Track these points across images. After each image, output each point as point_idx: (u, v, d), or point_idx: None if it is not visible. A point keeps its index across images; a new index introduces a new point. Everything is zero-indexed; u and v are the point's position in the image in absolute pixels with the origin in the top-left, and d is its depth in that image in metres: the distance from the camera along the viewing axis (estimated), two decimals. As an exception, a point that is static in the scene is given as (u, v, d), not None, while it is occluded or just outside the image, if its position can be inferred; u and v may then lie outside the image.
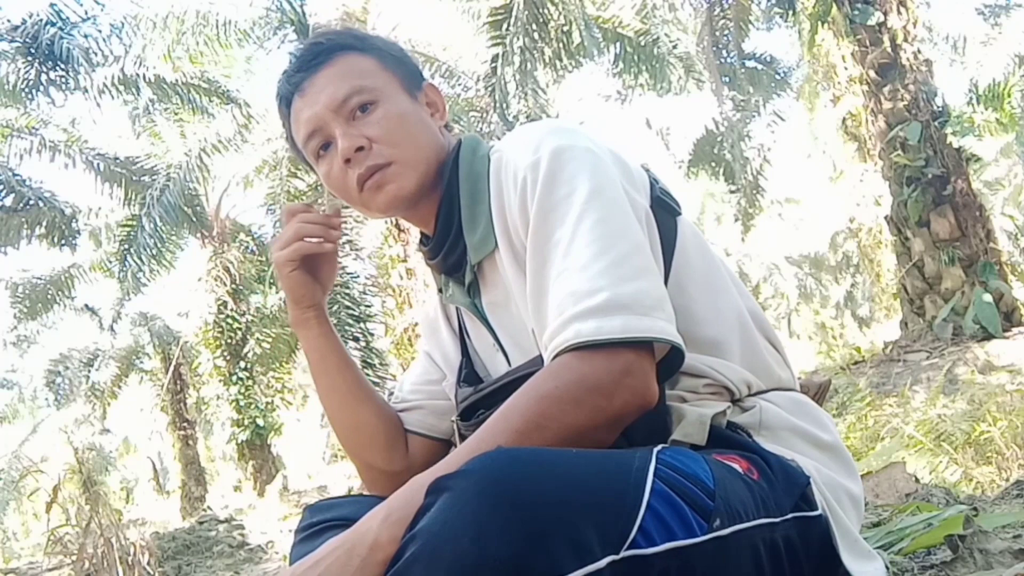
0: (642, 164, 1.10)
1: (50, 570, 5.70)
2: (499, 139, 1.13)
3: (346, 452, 1.26)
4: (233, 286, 12.27)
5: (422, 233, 1.20)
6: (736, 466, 0.88)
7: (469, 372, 1.21)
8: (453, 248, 1.11)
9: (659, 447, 0.83)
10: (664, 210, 1.05)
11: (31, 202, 9.67)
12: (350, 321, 9.44)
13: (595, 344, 0.86)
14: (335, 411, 1.24)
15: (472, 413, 1.13)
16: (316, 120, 1.11)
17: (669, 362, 0.91)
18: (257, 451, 12.41)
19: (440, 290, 1.23)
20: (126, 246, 10.26)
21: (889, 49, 7.68)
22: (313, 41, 1.16)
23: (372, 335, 9.65)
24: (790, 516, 0.88)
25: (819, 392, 1.20)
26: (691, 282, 1.03)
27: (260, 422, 12.21)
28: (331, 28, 1.24)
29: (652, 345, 0.88)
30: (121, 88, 10.00)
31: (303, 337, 1.24)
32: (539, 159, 0.98)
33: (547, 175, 0.97)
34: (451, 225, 1.11)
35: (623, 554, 0.71)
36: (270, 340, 12.28)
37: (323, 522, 1.09)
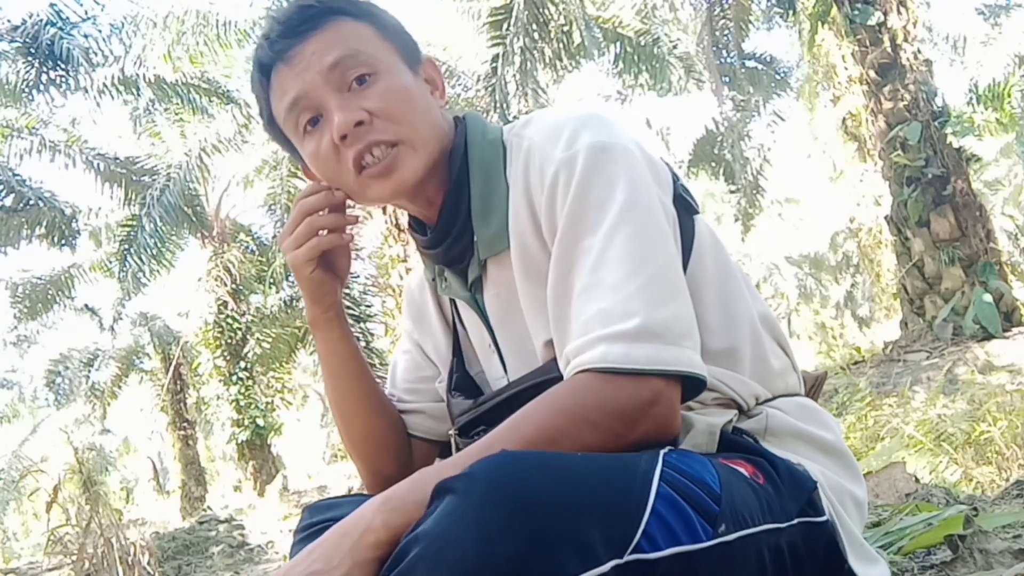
0: (661, 157, 1.03)
1: (50, 570, 5.70)
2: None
3: (353, 458, 1.22)
4: (233, 286, 12.27)
5: (414, 218, 1.11)
6: (742, 470, 0.87)
7: (461, 376, 1.15)
8: (458, 240, 1.04)
9: (665, 450, 0.82)
10: (683, 208, 0.99)
11: (31, 202, 9.68)
12: (350, 321, 9.37)
13: (622, 371, 0.83)
14: (348, 419, 1.18)
15: (471, 427, 1.08)
16: (304, 88, 0.98)
17: (691, 387, 0.89)
18: (257, 451, 12.42)
19: (433, 279, 1.16)
20: (126, 246, 10.26)
21: (889, 49, 7.67)
22: (301, 3, 1.01)
23: (372, 335, 9.66)
24: (796, 521, 0.87)
25: (815, 385, 1.19)
26: (705, 288, 0.99)
27: (260, 422, 12.21)
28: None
29: (680, 377, 0.86)
30: (121, 88, 10.02)
31: (322, 339, 1.15)
32: (575, 155, 0.92)
33: (583, 175, 0.91)
34: (458, 215, 1.03)
35: (627, 558, 0.71)
36: (270, 340, 12.28)
37: (323, 522, 1.06)
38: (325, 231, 1.06)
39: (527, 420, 0.83)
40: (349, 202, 1.08)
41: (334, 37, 0.99)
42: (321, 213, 1.06)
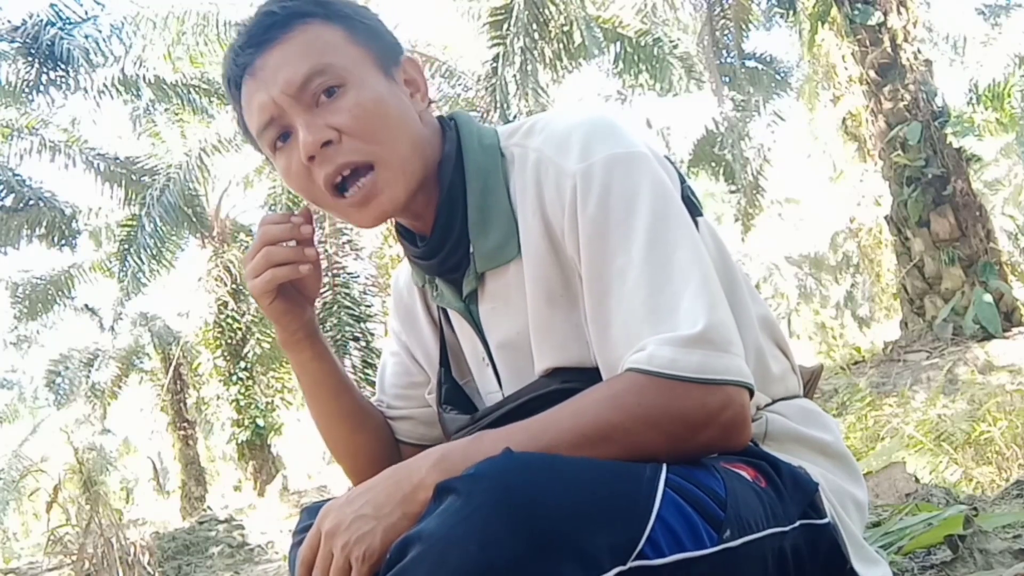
0: (665, 156, 1.00)
1: (50, 570, 5.71)
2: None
3: (342, 468, 1.21)
4: (233, 286, 12.26)
5: (402, 226, 1.06)
6: (744, 474, 0.86)
7: (451, 387, 1.11)
8: (453, 251, 0.99)
9: None
10: (688, 210, 0.95)
11: (31, 202, 9.68)
12: (350, 321, 9.45)
13: (688, 378, 0.80)
14: (330, 435, 1.16)
15: None
16: (271, 107, 0.94)
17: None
18: (257, 451, 12.42)
19: (422, 286, 1.12)
20: (126, 246, 10.26)
21: (889, 49, 7.67)
22: (266, 9, 0.96)
23: (372, 335, 9.66)
24: (798, 524, 0.86)
25: (811, 379, 1.17)
26: None
27: (260, 422, 12.21)
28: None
29: (743, 385, 0.84)
30: (121, 88, 10.01)
31: (294, 361, 1.11)
32: (591, 167, 0.88)
33: (603, 188, 0.87)
34: (453, 227, 0.98)
35: (630, 564, 0.70)
36: (270, 340, 12.26)
37: (321, 524, 1.07)
38: (287, 264, 1.00)
39: (586, 413, 0.81)
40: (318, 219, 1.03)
41: (299, 48, 0.93)
42: (284, 244, 1.01)
